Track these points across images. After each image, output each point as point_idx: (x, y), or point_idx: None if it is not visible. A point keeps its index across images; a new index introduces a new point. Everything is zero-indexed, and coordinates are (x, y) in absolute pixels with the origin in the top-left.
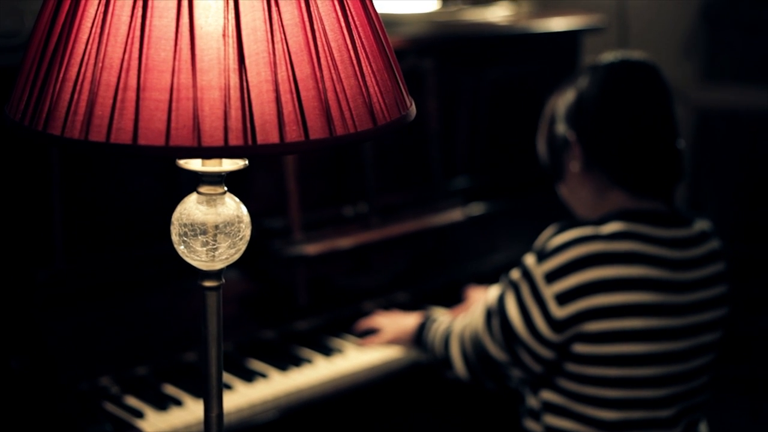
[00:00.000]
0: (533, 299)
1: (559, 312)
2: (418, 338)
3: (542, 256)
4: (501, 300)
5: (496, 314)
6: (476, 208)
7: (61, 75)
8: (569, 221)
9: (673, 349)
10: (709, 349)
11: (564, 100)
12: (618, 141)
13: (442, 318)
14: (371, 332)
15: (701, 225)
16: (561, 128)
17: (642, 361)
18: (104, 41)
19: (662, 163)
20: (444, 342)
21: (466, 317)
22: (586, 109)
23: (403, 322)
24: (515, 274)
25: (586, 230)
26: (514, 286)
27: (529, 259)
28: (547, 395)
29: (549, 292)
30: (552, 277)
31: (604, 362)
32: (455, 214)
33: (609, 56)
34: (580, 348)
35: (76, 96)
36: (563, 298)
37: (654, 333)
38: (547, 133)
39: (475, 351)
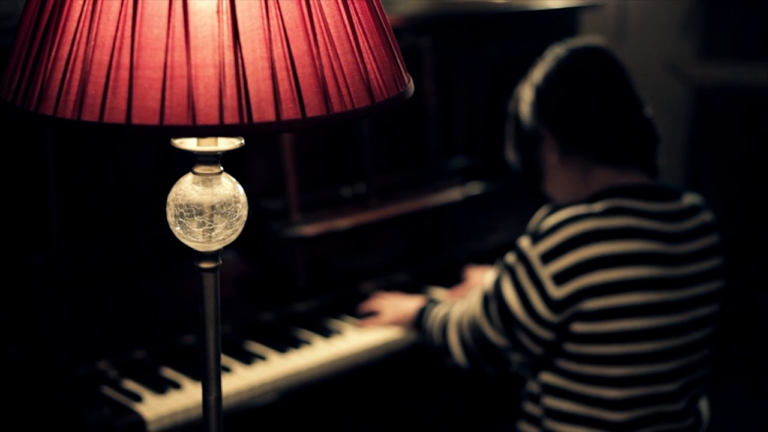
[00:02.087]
0: (530, 281)
1: (556, 292)
2: (418, 323)
3: (536, 237)
4: (497, 284)
5: (493, 299)
6: (475, 188)
7: (53, 54)
8: (561, 203)
9: (672, 323)
10: (707, 322)
11: (524, 101)
12: (588, 120)
13: (441, 304)
14: (372, 315)
15: (691, 198)
16: (528, 127)
17: (641, 337)
18: (96, 19)
19: (635, 130)
20: (442, 330)
21: (463, 304)
22: (549, 99)
23: (404, 305)
24: (510, 257)
25: (578, 209)
26: (510, 270)
27: (524, 242)
28: (547, 377)
29: (545, 272)
30: (548, 257)
31: (603, 340)
32: (454, 194)
33: (555, 49)
34: (579, 327)
35: (68, 75)
36: (560, 278)
37: (652, 307)
38: (515, 138)
39: (473, 337)
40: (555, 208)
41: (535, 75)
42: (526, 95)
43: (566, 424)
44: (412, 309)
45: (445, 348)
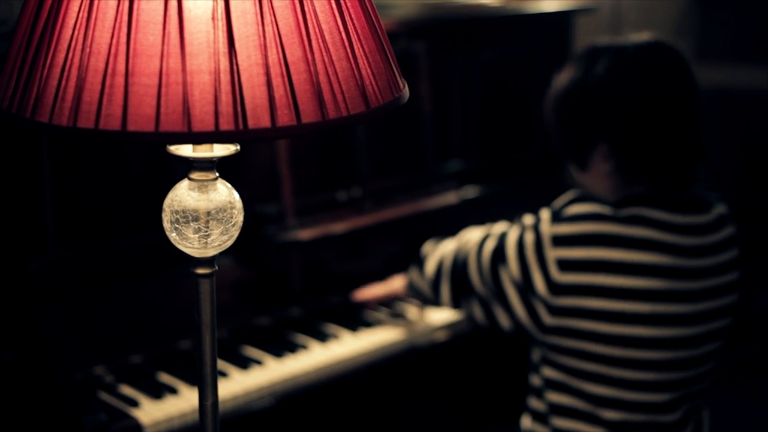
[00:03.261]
0: (535, 254)
1: (559, 277)
2: (409, 282)
3: (557, 217)
4: (504, 233)
5: (494, 238)
6: (470, 191)
7: (48, 61)
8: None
9: (683, 334)
10: (719, 335)
11: (580, 100)
12: (653, 148)
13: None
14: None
15: (719, 209)
16: (585, 130)
17: (648, 345)
18: (91, 26)
19: (691, 155)
20: (429, 249)
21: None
22: (616, 116)
23: (395, 281)
24: (528, 220)
25: (605, 209)
26: (523, 229)
27: (545, 214)
28: (548, 372)
29: (553, 254)
30: (560, 241)
31: (606, 341)
32: (449, 198)
33: (632, 42)
34: (581, 324)
35: (63, 82)
36: (565, 266)
37: (662, 318)
38: (567, 129)
39: (454, 260)
40: (583, 197)
41: (598, 75)
42: (589, 95)
43: (567, 418)
44: (403, 281)
45: (420, 263)
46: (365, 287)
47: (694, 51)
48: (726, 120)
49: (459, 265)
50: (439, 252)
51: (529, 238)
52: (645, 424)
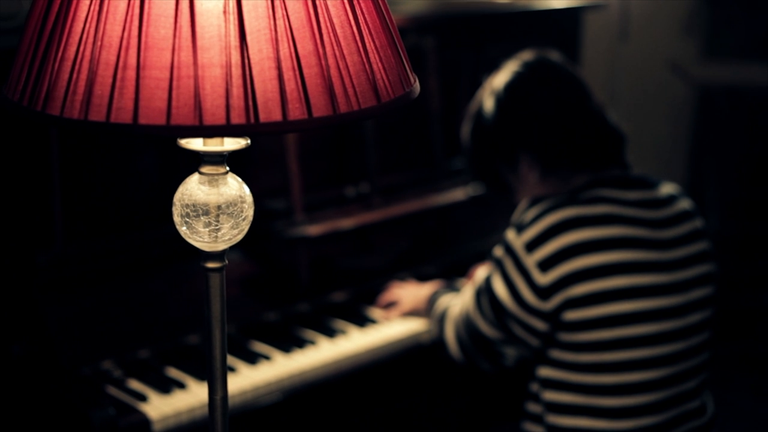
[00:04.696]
0: (517, 271)
1: (542, 279)
2: (429, 311)
3: (521, 228)
4: (488, 279)
5: (484, 293)
6: (478, 188)
7: (60, 54)
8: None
9: (665, 305)
10: (704, 305)
11: (488, 125)
12: (570, 139)
13: (447, 294)
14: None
15: (668, 188)
16: (500, 150)
17: (633, 320)
18: (103, 19)
19: (608, 136)
20: (440, 325)
21: (459, 299)
22: (523, 124)
23: (420, 292)
24: (498, 251)
25: (560, 198)
26: (499, 263)
27: (510, 234)
28: (545, 371)
29: (530, 260)
30: (532, 245)
31: (595, 325)
32: (457, 194)
33: (510, 66)
34: (570, 315)
35: (74, 75)
36: (545, 265)
37: (641, 290)
38: (483, 161)
39: (468, 332)
40: (537, 199)
41: (495, 96)
42: (491, 117)
43: (566, 416)
44: (426, 295)
45: (442, 342)
46: (391, 309)
47: (702, 49)
48: (734, 118)
49: (474, 334)
50: (452, 329)
51: (508, 263)
52: (663, 402)
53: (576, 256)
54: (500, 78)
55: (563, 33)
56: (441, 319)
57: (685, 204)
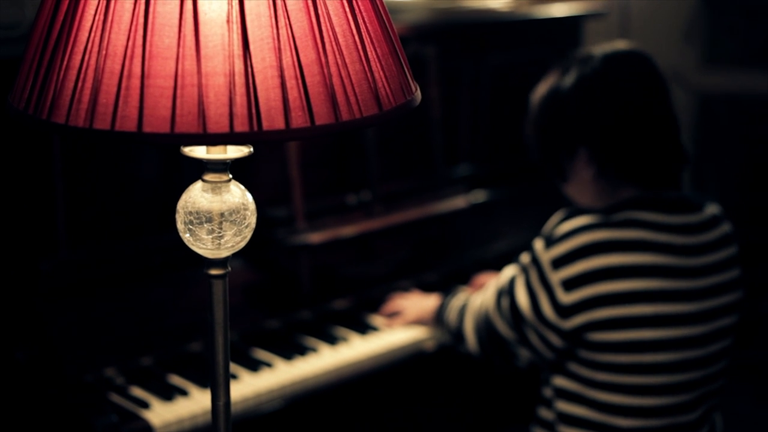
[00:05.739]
0: (540, 284)
1: (565, 297)
2: (439, 316)
3: (550, 242)
4: (512, 282)
5: (506, 295)
6: (479, 196)
7: (65, 63)
8: (578, 208)
9: (690, 334)
10: (727, 333)
11: (558, 109)
12: (633, 148)
13: (459, 295)
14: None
15: (712, 209)
16: (563, 138)
17: (654, 347)
18: (108, 28)
19: (673, 154)
20: (459, 317)
21: (479, 295)
22: (592, 120)
23: (424, 303)
24: (525, 258)
25: (594, 218)
26: (524, 270)
27: (538, 244)
28: (560, 381)
29: (556, 277)
30: (559, 263)
31: (615, 349)
32: (458, 202)
33: (601, 51)
34: (592, 336)
35: (80, 84)
36: (569, 284)
37: (665, 319)
38: (545, 141)
39: (485, 328)
40: (571, 214)
41: (578, 82)
42: (565, 101)
43: (578, 428)
44: (432, 306)
45: (459, 333)
46: (396, 317)
47: (702, 56)
48: (734, 125)
49: (491, 331)
50: (472, 322)
51: (533, 274)
52: (665, 427)
53: (602, 280)
54: (589, 63)
55: (564, 41)
56: (461, 313)
57: (726, 228)
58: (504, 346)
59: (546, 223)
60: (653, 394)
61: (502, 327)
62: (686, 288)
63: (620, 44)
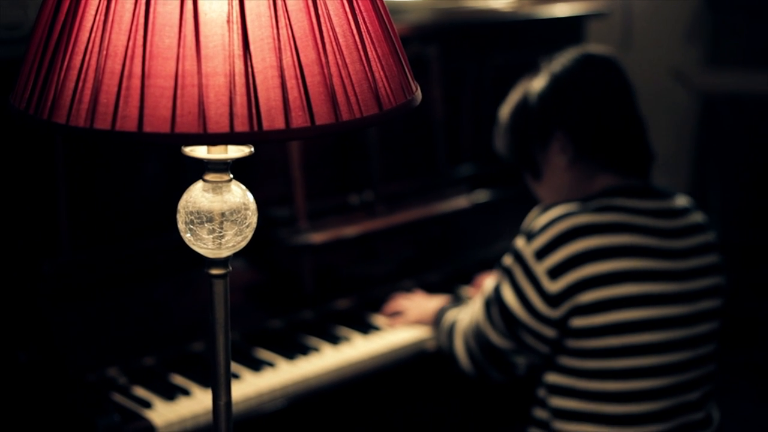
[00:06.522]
0: (526, 279)
1: (552, 286)
2: (436, 324)
3: (530, 236)
4: (497, 288)
5: (494, 303)
6: (482, 196)
7: (66, 63)
8: (553, 202)
9: (674, 314)
10: (712, 316)
11: (536, 98)
12: (609, 129)
13: (456, 308)
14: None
15: (681, 200)
16: (539, 125)
17: (640, 327)
18: (108, 29)
19: (643, 146)
20: (449, 337)
21: (467, 311)
22: (571, 102)
23: (426, 304)
24: (507, 259)
25: (570, 206)
26: (508, 272)
27: (519, 242)
28: (551, 377)
29: (540, 268)
30: (541, 253)
31: (602, 332)
32: (461, 202)
33: (571, 53)
34: (577, 321)
35: (80, 84)
36: (554, 272)
37: (650, 298)
38: (519, 133)
39: (478, 343)
40: (547, 207)
41: (550, 74)
42: (538, 92)
43: (572, 422)
44: (433, 308)
45: (451, 355)
46: (397, 317)
47: (705, 57)
48: (737, 126)
49: (484, 344)
50: (461, 342)
51: (518, 272)
52: (655, 412)
53: (585, 263)
54: (559, 60)
55: (566, 41)
56: (450, 333)
57: (698, 217)
58: (500, 357)
59: (524, 221)
60: (643, 376)
61: (496, 337)
62: (667, 269)
63: (590, 47)
